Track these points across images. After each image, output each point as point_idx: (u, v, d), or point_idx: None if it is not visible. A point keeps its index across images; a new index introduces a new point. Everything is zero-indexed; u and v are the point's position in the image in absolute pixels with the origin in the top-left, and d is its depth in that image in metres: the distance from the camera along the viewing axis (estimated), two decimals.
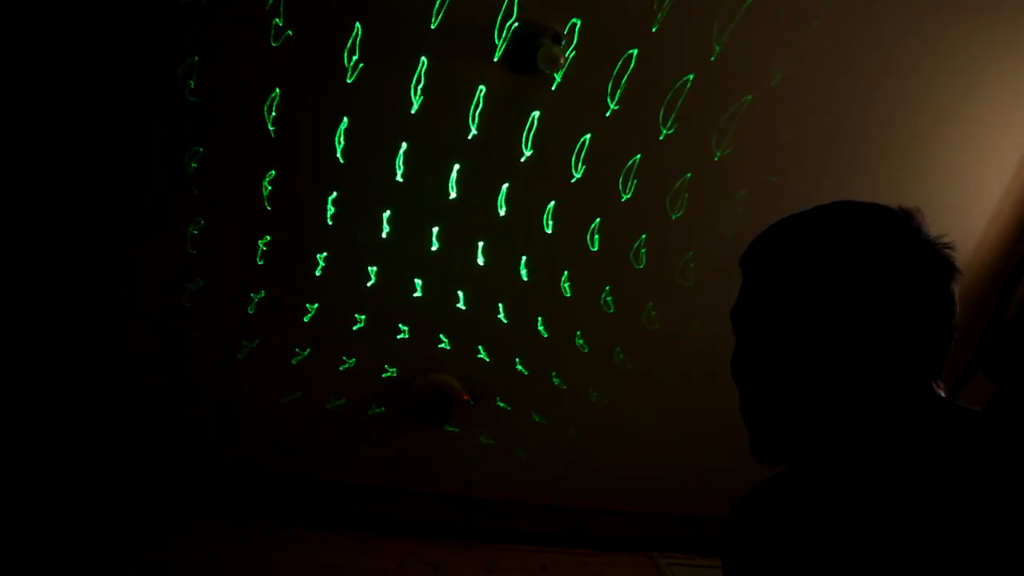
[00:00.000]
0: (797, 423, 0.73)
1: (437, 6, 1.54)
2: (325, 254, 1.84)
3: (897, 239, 0.71)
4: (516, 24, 1.57)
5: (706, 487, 2.34)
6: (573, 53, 1.64)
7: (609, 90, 1.70)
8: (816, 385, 0.71)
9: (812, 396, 0.71)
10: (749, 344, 0.78)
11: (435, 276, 1.93)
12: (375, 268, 1.89)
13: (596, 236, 1.91)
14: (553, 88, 1.68)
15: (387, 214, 1.81)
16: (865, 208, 0.74)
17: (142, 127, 1.63)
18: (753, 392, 0.77)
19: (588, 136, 1.76)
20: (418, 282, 1.93)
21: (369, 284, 1.90)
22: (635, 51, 1.66)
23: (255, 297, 1.87)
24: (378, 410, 2.13)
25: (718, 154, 1.81)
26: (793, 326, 0.72)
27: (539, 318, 2.04)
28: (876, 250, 0.71)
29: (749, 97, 1.76)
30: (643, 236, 1.94)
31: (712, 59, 1.70)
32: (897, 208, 0.73)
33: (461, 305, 1.98)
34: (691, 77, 1.72)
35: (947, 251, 0.71)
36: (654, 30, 1.64)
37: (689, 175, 1.86)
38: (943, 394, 0.72)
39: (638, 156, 1.81)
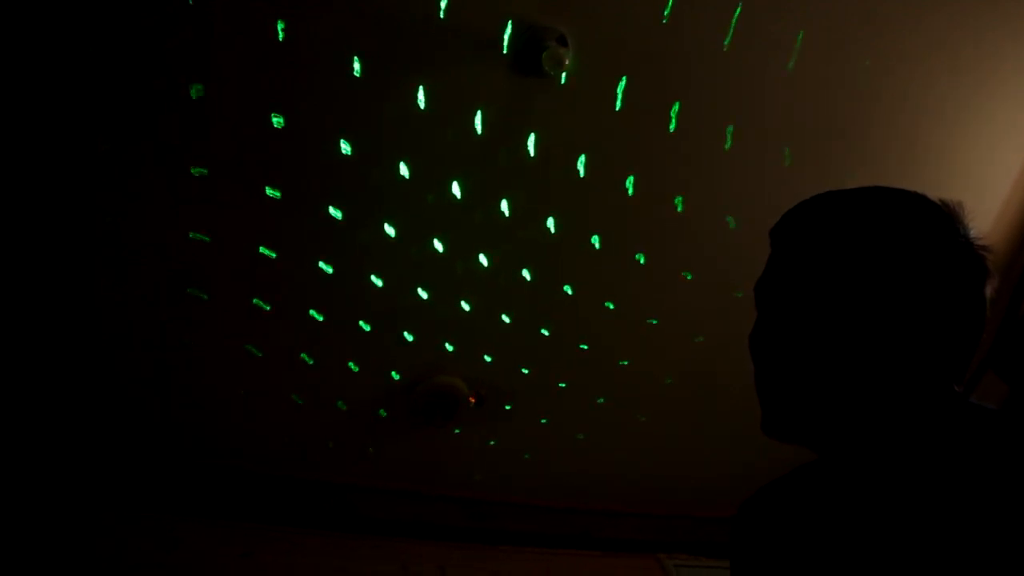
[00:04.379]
0: (810, 404, 0.72)
1: (443, 7, 1.54)
2: (330, 258, 1.84)
3: (936, 235, 0.69)
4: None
5: (713, 488, 2.34)
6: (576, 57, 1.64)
7: (614, 90, 1.70)
8: (833, 371, 0.70)
9: (828, 381, 0.70)
10: (771, 320, 0.76)
11: (440, 280, 1.93)
12: (380, 272, 1.89)
13: (600, 236, 1.91)
14: (559, 89, 1.68)
15: (391, 218, 1.81)
16: (908, 197, 0.73)
17: (144, 129, 1.63)
18: (769, 368, 0.76)
19: (593, 136, 1.76)
20: (423, 285, 1.93)
21: (374, 288, 1.90)
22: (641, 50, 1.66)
23: (259, 301, 1.87)
24: (384, 413, 2.13)
25: (728, 141, 1.79)
26: (819, 308, 0.70)
27: (543, 320, 2.04)
28: (915, 244, 0.69)
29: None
30: (647, 235, 1.94)
31: (714, 57, 1.69)
32: (939, 201, 0.71)
33: (465, 308, 1.98)
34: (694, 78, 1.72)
35: (983, 252, 0.69)
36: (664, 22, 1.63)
37: (691, 174, 1.86)
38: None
39: (640, 155, 1.81)
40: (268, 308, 1.88)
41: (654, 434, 2.29)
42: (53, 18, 1.47)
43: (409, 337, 2.01)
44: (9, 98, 1.54)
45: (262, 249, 1.79)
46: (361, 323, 1.96)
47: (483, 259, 1.91)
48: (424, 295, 1.94)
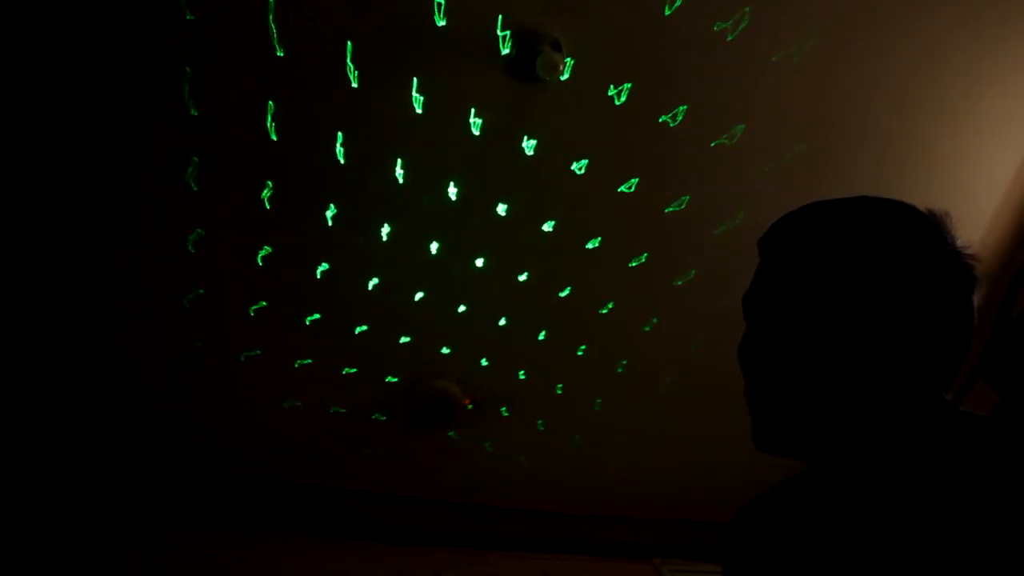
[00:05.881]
0: (801, 416, 0.72)
1: (437, 14, 1.55)
2: (326, 262, 1.84)
3: (924, 245, 0.69)
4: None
5: (708, 493, 2.34)
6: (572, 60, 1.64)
7: (611, 93, 1.70)
8: (824, 381, 0.70)
9: (819, 392, 0.70)
10: (759, 331, 0.76)
11: (436, 283, 1.93)
12: (376, 275, 1.89)
13: (598, 239, 1.91)
14: (554, 93, 1.68)
15: (387, 222, 1.81)
16: (895, 207, 0.73)
17: (142, 135, 1.63)
18: (759, 380, 0.76)
19: (589, 140, 1.77)
20: (419, 289, 1.93)
21: (370, 291, 1.90)
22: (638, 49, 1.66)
23: (255, 305, 1.87)
24: (380, 417, 2.13)
25: (717, 142, 1.80)
26: (807, 319, 0.70)
27: (541, 323, 2.04)
28: (902, 254, 0.69)
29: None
30: (645, 238, 1.94)
31: (712, 60, 1.69)
32: (926, 211, 0.72)
33: (462, 311, 1.98)
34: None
35: (970, 261, 0.70)
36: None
37: (690, 179, 1.86)
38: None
39: (637, 158, 1.82)
40: (266, 311, 1.88)
41: (650, 438, 2.29)
42: (54, 32, 1.47)
43: (406, 340, 2.01)
44: (12, 105, 1.55)
45: (262, 251, 1.80)
46: (358, 326, 1.96)
47: (479, 262, 1.91)
48: (421, 298, 1.94)
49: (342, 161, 1.70)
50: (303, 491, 2.19)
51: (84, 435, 2.01)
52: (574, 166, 1.79)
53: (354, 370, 2.04)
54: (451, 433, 2.17)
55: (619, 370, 2.14)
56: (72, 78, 1.53)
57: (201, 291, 1.84)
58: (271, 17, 1.49)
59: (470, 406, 2.12)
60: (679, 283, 2.01)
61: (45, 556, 1.78)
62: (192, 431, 2.09)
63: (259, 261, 1.81)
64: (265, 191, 1.71)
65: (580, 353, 2.10)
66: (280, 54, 1.54)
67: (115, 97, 1.57)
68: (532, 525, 2.35)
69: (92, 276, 1.80)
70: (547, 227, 1.88)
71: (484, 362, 2.09)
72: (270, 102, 1.60)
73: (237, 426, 2.09)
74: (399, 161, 1.73)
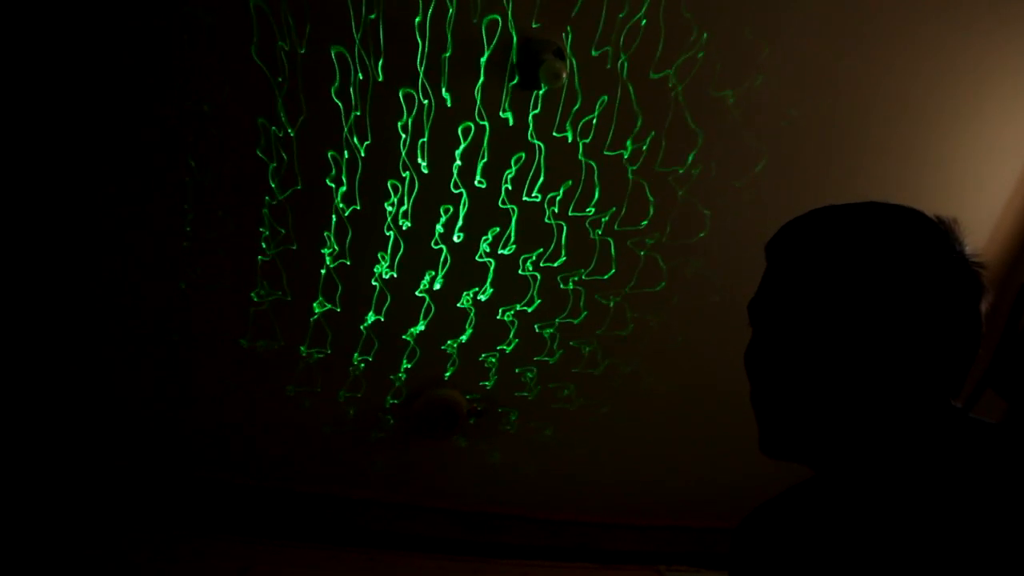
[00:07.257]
0: (807, 423, 0.71)
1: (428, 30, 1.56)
2: (336, 262, 1.85)
3: (932, 251, 0.69)
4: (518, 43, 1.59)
5: (713, 500, 2.33)
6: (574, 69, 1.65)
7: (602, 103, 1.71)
8: (830, 389, 0.69)
9: (825, 399, 0.70)
10: (766, 337, 0.76)
11: (443, 295, 1.94)
12: (380, 284, 1.89)
13: (600, 248, 1.91)
14: (557, 100, 1.69)
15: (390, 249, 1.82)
16: (903, 213, 0.72)
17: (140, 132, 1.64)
18: (765, 386, 0.75)
19: (593, 149, 1.77)
20: (426, 300, 1.94)
21: (377, 305, 1.91)
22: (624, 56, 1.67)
23: (259, 309, 1.88)
24: (384, 429, 2.13)
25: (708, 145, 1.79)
26: (814, 326, 0.70)
27: (545, 334, 2.04)
28: (909, 260, 0.69)
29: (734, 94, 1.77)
30: (648, 245, 1.94)
31: (701, 57, 1.69)
32: (935, 217, 0.72)
33: (470, 320, 1.98)
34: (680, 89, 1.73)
35: (978, 268, 0.70)
36: (643, 23, 1.63)
37: (692, 183, 1.87)
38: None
39: (632, 160, 1.82)
40: (269, 318, 1.89)
41: (654, 445, 2.28)
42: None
43: (412, 351, 2.01)
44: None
45: (262, 245, 1.81)
46: (363, 336, 1.96)
47: (484, 269, 1.92)
48: (426, 309, 1.95)
49: (344, 181, 1.70)
50: (306, 500, 2.19)
51: (85, 445, 2.01)
52: (579, 173, 1.79)
53: (360, 381, 2.04)
54: (455, 442, 2.17)
55: (625, 377, 2.13)
56: (76, 70, 1.54)
57: (209, 294, 1.84)
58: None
59: (472, 420, 2.11)
60: (673, 289, 2.01)
61: (47, 566, 1.77)
62: (196, 440, 2.08)
63: (265, 260, 1.81)
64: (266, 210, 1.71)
65: (584, 359, 2.10)
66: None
67: (120, 99, 1.57)
68: (535, 533, 2.34)
69: (98, 284, 1.80)
70: (553, 238, 1.88)
71: (490, 368, 2.08)
72: (275, 125, 1.60)
73: (241, 435, 2.09)
74: (403, 183, 1.73)
